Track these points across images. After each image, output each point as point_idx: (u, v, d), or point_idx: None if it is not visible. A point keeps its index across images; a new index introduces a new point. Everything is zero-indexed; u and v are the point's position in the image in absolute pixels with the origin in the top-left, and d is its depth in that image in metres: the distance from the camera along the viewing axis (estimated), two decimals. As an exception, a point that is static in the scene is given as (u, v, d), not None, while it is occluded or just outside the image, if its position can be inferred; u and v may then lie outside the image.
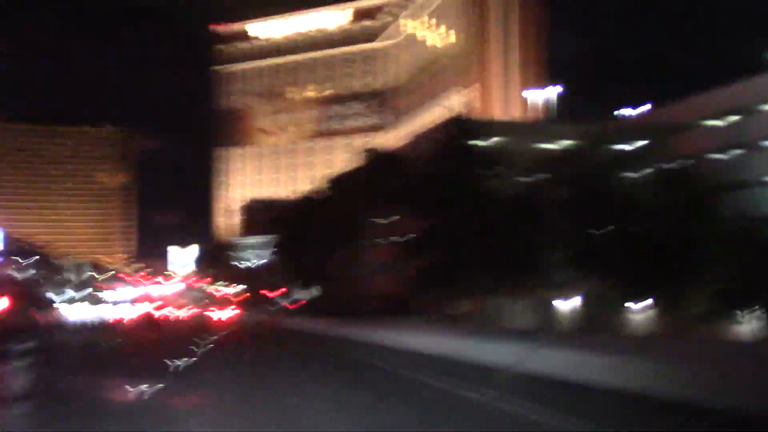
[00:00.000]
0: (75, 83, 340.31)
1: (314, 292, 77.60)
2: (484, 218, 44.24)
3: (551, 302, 50.32)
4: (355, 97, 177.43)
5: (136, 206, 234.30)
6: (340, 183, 69.39)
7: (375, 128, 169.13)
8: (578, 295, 48.71)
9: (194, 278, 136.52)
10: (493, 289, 45.61)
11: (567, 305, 50.14)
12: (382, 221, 59.88)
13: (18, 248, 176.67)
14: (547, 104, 79.22)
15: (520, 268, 42.66)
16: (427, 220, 49.12)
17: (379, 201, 58.28)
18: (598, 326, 44.14)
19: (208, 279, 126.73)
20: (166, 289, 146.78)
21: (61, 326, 66.15)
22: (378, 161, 59.29)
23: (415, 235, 50.94)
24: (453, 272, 46.56)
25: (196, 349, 33.25)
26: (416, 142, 67.38)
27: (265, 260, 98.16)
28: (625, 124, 67.20)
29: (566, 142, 51.15)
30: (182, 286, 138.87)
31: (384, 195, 55.80)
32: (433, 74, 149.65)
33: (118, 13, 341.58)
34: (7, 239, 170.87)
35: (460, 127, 50.54)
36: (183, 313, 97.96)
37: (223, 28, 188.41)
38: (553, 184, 43.67)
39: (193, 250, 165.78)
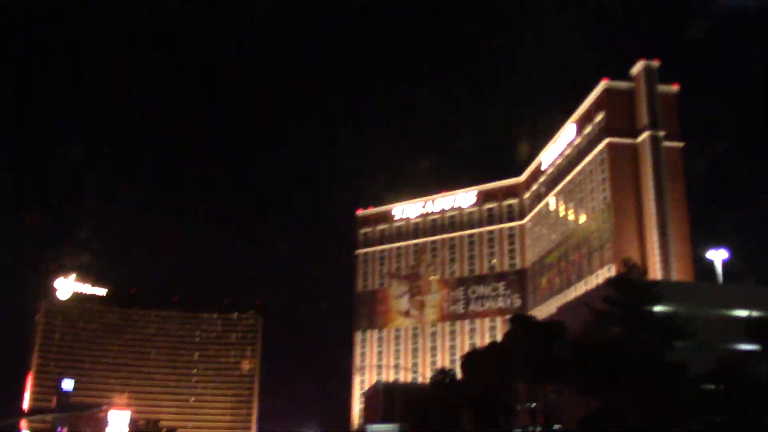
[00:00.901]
0: (217, 268, 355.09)
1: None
2: (670, 397, 34.51)
3: None
4: (494, 277, 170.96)
5: (260, 392, 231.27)
6: (477, 359, 60.43)
7: (516, 309, 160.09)
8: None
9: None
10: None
11: None
12: (530, 404, 50.19)
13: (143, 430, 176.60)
14: (714, 267, 68.87)
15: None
16: (592, 398, 39.64)
17: (522, 380, 49.28)
18: None
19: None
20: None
21: None
22: (524, 330, 50.52)
23: (574, 419, 41.18)
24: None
25: None
26: (570, 308, 58.53)
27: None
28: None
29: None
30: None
31: (531, 372, 46.87)
32: (576, 251, 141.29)
33: (263, 201, 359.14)
34: (133, 423, 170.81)
35: (628, 288, 41.84)
36: None
37: (366, 212, 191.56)
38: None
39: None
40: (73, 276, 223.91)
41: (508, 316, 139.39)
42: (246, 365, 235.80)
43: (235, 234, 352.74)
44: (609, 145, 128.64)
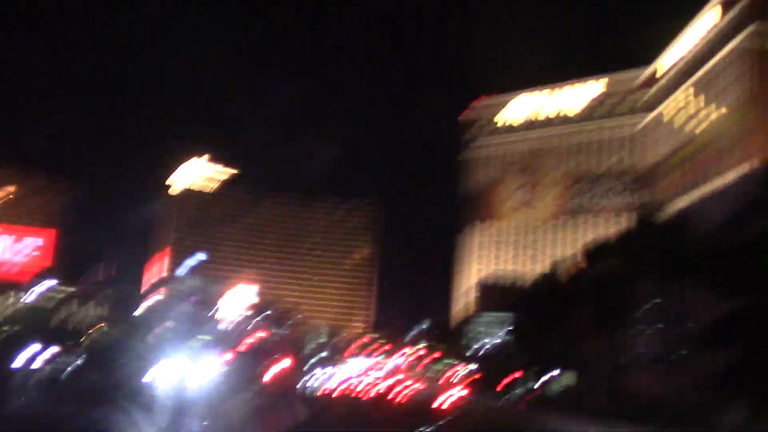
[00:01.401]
0: (331, 156, 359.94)
1: (557, 381, 64.80)
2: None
3: None
4: (616, 173, 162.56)
5: (377, 279, 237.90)
6: (600, 253, 56.85)
7: (630, 209, 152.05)
8: None
9: (424, 353, 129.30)
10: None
11: None
12: (657, 301, 46.49)
13: (266, 307, 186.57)
14: None
15: None
16: (729, 301, 35.57)
17: (652, 275, 45.43)
18: None
19: (437, 355, 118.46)
20: (398, 362, 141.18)
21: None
22: (654, 224, 46.24)
23: (708, 320, 37.39)
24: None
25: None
26: (700, 206, 53.23)
27: (500, 341, 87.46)
28: None
29: None
30: (411, 360, 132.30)
31: (662, 266, 42.97)
32: (705, 150, 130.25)
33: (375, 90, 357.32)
34: (258, 297, 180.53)
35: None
36: (410, 389, 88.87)
37: (479, 103, 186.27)
38: None
39: (427, 325, 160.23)
40: (206, 156, 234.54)
41: (632, 212, 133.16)
42: (365, 251, 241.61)
43: (356, 123, 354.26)
44: (755, 32, 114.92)
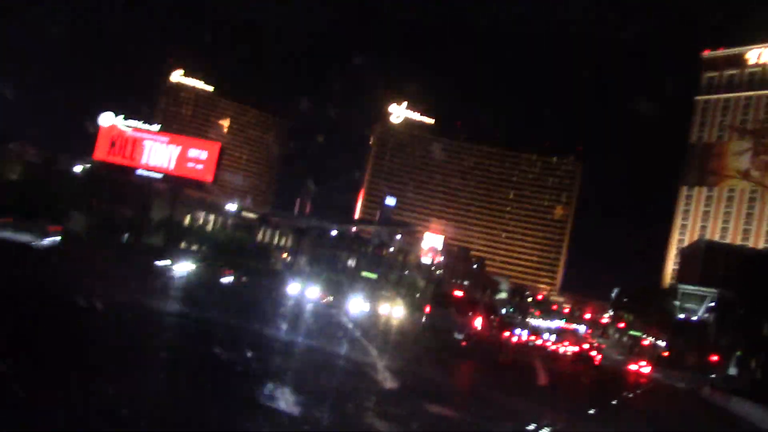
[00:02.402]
0: (536, 109, 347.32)
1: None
2: None
3: None
4: None
5: (569, 241, 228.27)
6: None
7: None
8: None
9: (609, 321, 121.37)
10: None
11: None
12: None
13: (456, 255, 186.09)
14: None
15: None
16: None
17: None
18: None
19: (622, 325, 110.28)
20: (581, 328, 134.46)
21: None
22: None
23: None
24: None
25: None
26: None
27: (698, 317, 78.53)
28: None
29: None
30: (597, 328, 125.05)
31: None
32: None
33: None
34: (446, 247, 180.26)
35: None
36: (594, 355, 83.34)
37: (714, 54, 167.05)
38: None
39: (616, 293, 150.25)
40: (405, 103, 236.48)
41: None
42: (560, 210, 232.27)
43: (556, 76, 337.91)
44: None
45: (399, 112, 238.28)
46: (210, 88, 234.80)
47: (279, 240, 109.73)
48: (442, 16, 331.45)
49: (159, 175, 61.39)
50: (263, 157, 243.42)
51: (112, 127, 62.52)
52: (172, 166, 61.00)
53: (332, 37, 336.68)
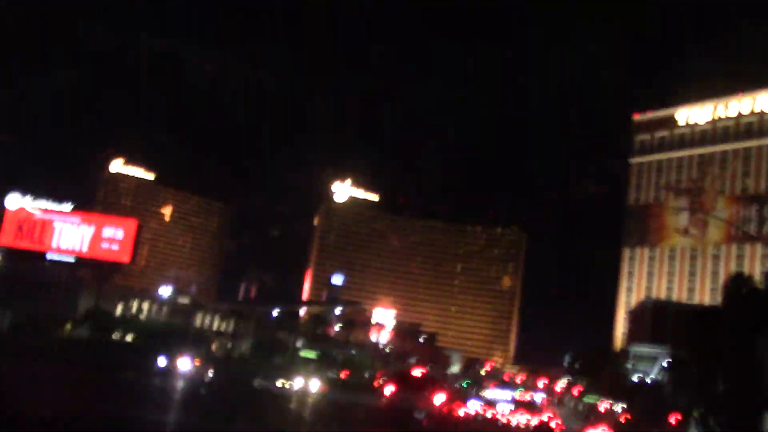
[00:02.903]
0: (481, 182, 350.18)
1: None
2: None
3: None
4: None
5: (519, 309, 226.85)
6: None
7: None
8: None
9: (565, 387, 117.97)
10: None
11: None
12: None
13: (405, 331, 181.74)
14: None
15: None
16: None
17: None
18: None
19: (579, 389, 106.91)
20: (538, 396, 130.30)
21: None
22: None
23: None
24: None
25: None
26: None
27: (654, 377, 76.05)
28: None
29: None
30: (552, 394, 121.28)
31: None
32: None
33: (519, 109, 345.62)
34: (396, 323, 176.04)
35: None
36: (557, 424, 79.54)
37: (645, 116, 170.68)
38: None
39: (569, 358, 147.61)
40: (349, 180, 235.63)
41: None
42: (507, 281, 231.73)
43: (495, 148, 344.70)
44: None
45: (343, 190, 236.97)
46: (151, 177, 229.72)
47: (219, 325, 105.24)
48: (379, 91, 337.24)
49: (71, 259, 56.77)
50: (206, 243, 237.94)
51: (20, 210, 58.04)
52: (85, 248, 56.62)
53: (274, 115, 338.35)
